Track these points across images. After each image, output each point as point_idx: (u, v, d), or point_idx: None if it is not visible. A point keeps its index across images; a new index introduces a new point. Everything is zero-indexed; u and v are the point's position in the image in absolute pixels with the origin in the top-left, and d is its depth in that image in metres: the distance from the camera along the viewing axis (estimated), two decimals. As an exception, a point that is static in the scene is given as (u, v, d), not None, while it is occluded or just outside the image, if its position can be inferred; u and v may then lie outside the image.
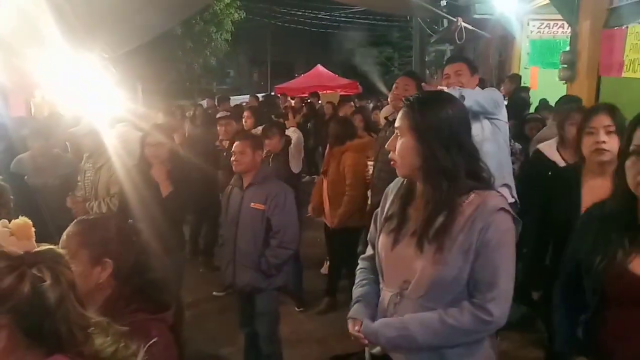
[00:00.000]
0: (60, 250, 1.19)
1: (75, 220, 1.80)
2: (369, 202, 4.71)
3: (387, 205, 2.01)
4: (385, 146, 1.95)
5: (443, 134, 1.78)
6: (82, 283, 1.42)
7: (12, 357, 1.09)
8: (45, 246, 1.19)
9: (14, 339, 1.07)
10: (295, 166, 5.90)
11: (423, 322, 1.81)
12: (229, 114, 7.42)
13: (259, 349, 3.82)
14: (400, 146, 1.86)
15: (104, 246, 1.72)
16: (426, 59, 16.70)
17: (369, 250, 2.14)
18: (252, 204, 3.60)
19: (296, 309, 5.34)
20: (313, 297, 5.49)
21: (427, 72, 17.29)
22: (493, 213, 1.76)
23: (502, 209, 1.79)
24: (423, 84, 3.69)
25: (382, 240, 1.98)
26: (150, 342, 1.44)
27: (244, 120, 6.61)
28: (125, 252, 1.75)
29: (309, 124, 11.00)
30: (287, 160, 5.60)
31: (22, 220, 2.07)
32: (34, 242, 1.98)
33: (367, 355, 2.10)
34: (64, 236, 1.72)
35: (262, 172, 3.73)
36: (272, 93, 15.34)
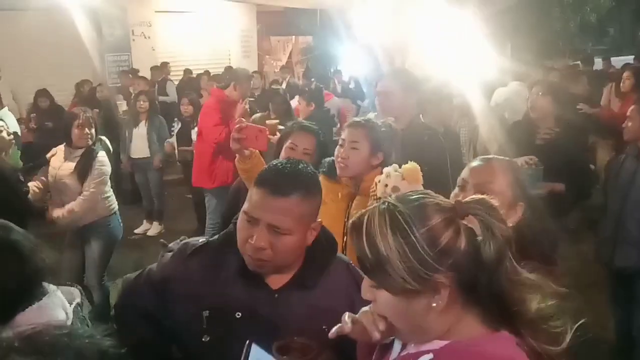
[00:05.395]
0: (492, 201, 1.08)
1: (487, 159, 1.84)
2: None
3: None
4: None
5: None
6: None
7: (449, 315, 1.05)
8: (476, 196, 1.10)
9: (452, 297, 1.04)
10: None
11: None
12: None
13: (632, 340, 3.39)
14: None
15: (518, 189, 1.76)
16: None
17: None
18: (656, 175, 3.15)
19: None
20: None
21: None
22: None
23: None
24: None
25: None
26: None
27: (622, 81, 5.95)
28: (527, 196, 1.76)
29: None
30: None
31: (412, 164, 2.19)
32: (422, 185, 2.07)
33: None
34: (479, 176, 1.77)
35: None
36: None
